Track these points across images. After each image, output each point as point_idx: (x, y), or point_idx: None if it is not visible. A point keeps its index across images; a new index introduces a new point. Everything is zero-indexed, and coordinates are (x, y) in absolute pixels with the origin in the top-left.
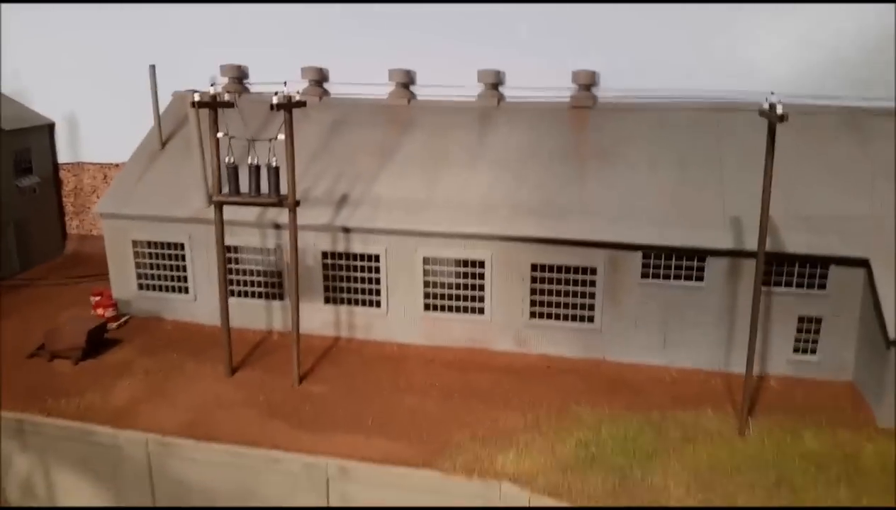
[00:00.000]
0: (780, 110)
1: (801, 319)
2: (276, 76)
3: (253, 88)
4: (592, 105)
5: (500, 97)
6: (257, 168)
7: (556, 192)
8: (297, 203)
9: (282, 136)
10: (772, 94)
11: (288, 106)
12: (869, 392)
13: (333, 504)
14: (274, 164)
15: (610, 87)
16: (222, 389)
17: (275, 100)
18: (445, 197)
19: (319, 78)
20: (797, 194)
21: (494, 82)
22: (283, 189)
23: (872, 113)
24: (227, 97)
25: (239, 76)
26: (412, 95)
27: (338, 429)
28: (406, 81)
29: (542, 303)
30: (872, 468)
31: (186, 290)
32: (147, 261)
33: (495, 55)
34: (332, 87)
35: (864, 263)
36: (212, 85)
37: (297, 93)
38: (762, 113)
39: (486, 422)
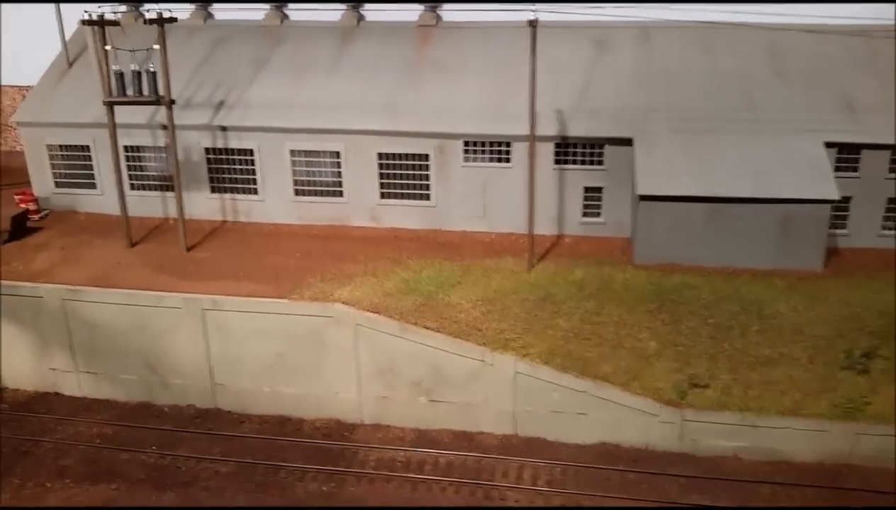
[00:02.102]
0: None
1: (586, 190)
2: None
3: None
4: (436, 24)
5: (360, 17)
6: (138, 73)
7: (399, 94)
8: (173, 101)
9: (157, 46)
10: (534, 10)
11: (160, 21)
12: (633, 240)
13: (209, 329)
14: (151, 70)
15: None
16: (123, 256)
17: (147, 15)
18: (308, 99)
19: (204, 2)
20: (585, 92)
21: (354, 4)
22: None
23: (663, 27)
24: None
25: (136, 3)
26: (285, 16)
27: (214, 279)
28: (279, 3)
29: (389, 186)
30: (618, 288)
31: (94, 186)
32: (60, 162)
33: None
34: (217, 11)
35: (630, 142)
36: (114, 13)
37: (169, 12)
38: (529, 23)
39: (333, 270)
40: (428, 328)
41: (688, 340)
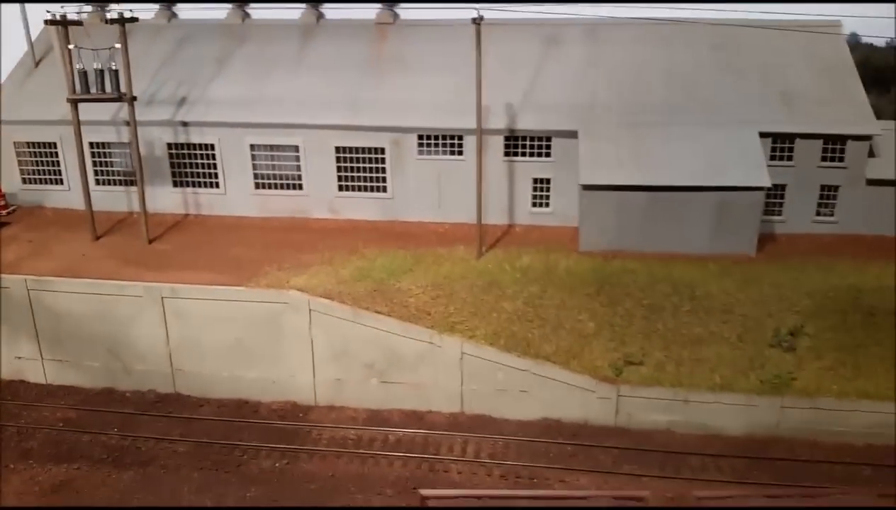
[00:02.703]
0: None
1: (535, 181)
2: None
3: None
4: (393, 22)
5: (320, 15)
6: (101, 72)
7: (356, 90)
8: (134, 98)
9: (118, 45)
10: (478, 10)
11: (121, 21)
12: (579, 228)
13: (169, 316)
14: (113, 67)
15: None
16: (89, 249)
17: (108, 16)
18: (267, 95)
19: (168, 3)
20: (535, 87)
21: (314, 3)
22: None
23: (611, 24)
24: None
25: (102, 3)
26: (246, 15)
27: (175, 269)
28: (241, 2)
29: (348, 178)
30: (561, 274)
31: (61, 182)
32: (28, 159)
33: None
34: (181, 10)
35: (575, 134)
36: (77, 13)
37: (130, 11)
38: (473, 20)
39: (291, 260)
40: (379, 313)
41: (624, 321)
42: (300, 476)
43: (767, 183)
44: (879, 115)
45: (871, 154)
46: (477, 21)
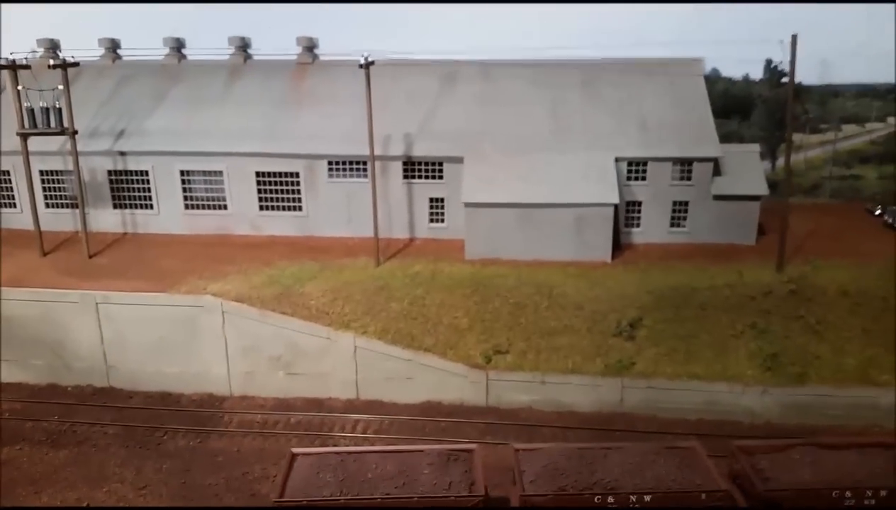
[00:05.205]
0: (367, 61)
1: (431, 200)
2: (82, 46)
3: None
4: (312, 62)
5: (247, 57)
6: (47, 109)
7: (275, 122)
8: (76, 132)
9: (61, 86)
10: (366, 54)
11: (63, 66)
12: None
13: (102, 320)
14: (57, 106)
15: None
16: (35, 262)
17: (51, 62)
18: (197, 127)
19: (112, 46)
20: (431, 118)
21: (241, 45)
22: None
23: (500, 65)
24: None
25: (52, 47)
26: (182, 56)
27: (109, 279)
28: (177, 46)
29: (267, 199)
30: (444, 278)
31: (14, 205)
32: None
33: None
34: (124, 52)
35: (462, 160)
36: (25, 59)
37: (72, 57)
38: (360, 66)
39: (210, 270)
40: (284, 313)
41: (493, 316)
42: (210, 451)
43: (616, 200)
44: (741, 139)
45: (718, 173)
46: (363, 65)
